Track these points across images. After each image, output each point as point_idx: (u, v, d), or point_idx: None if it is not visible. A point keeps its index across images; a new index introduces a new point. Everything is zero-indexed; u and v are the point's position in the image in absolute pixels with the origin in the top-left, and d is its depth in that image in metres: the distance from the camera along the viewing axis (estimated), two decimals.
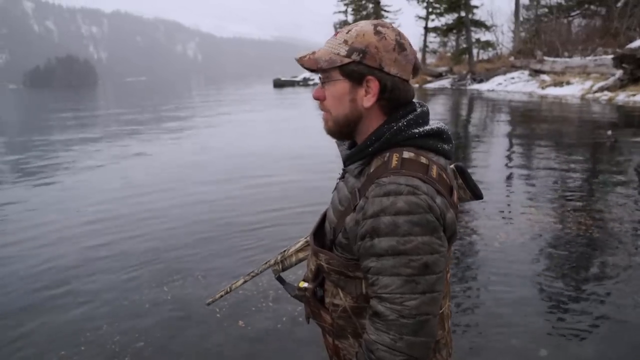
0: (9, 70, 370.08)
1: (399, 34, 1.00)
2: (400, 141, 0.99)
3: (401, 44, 0.99)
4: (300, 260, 1.38)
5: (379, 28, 0.99)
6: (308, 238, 1.36)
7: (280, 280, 1.32)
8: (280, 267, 1.37)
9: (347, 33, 1.01)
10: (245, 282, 1.46)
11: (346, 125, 1.04)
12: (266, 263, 1.41)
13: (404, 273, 0.91)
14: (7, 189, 7.41)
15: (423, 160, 0.97)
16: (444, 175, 0.99)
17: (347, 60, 0.98)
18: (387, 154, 0.98)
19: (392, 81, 0.99)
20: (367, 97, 1.00)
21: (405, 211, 0.91)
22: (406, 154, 0.97)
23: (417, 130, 1.00)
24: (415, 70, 1.02)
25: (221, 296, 1.48)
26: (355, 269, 1.03)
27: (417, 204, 0.91)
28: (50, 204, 6.29)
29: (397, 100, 1.01)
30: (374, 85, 0.99)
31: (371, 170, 0.98)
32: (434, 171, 0.96)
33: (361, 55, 0.98)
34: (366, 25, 1.00)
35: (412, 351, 0.92)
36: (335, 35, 1.03)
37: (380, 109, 1.02)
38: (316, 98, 1.06)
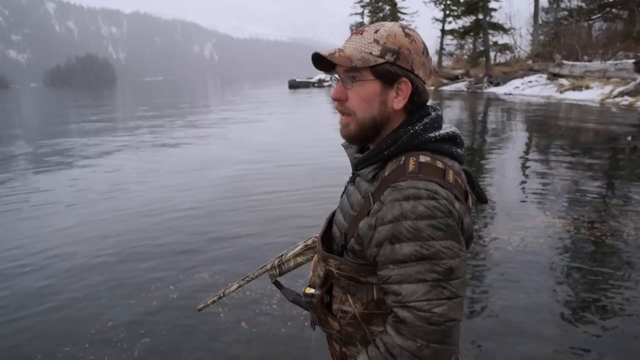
0: (31, 69, 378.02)
1: (421, 38, 1.02)
2: (416, 145, 0.97)
3: (427, 48, 1.01)
4: (299, 265, 1.36)
5: (407, 30, 0.99)
6: (308, 242, 1.34)
7: (277, 284, 1.30)
8: (278, 271, 1.35)
9: (375, 32, 0.98)
10: (239, 287, 1.42)
11: (372, 128, 1.01)
12: (262, 267, 1.37)
13: (429, 278, 0.88)
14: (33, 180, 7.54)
15: (439, 164, 0.95)
16: (459, 180, 0.98)
17: (381, 61, 0.96)
18: (403, 158, 0.96)
19: (421, 84, 0.99)
20: (398, 99, 0.99)
21: (427, 215, 0.88)
22: (423, 158, 0.95)
23: (433, 134, 0.99)
24: (431, 73, 1.05)
25: (213, 301, 1.43)
26: (367, 275, 1.01)
27: (438, 208, 0.89)
28: (66, 196, 6.37)
29: (422, 102, 1.01)
30: (405, 87, 0.98)
31: (386, 174, 0.96)
32: (451, 176, 0.94)
33: (395, 56, 0.96)
34: (394, 27, 0.98)
35: (437, 359, 0.89)
36: (361, 33, 0.99)
37: (405, 112, 1.01)
38: (337, 99, 1.01)
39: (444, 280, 0.88)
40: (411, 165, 0.94)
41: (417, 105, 1.01)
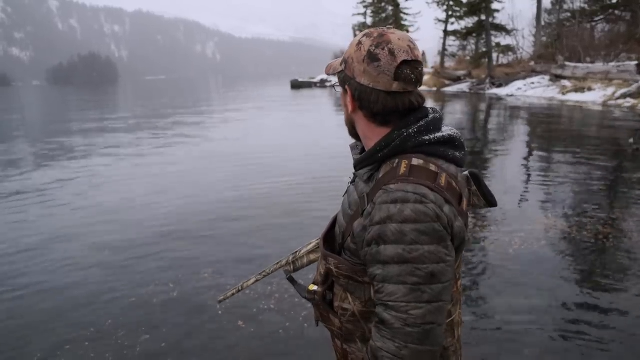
0: (33, 67, 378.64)
1: (380, 44, 0.97)
2: (410, 148, 0.99)
3: (373, 55, 0.97)
4: (312, 262, 1.39)
5: (363, 38, 1.01)
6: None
7: (292, 280, 1.32)
8: (292, 267, 1.38)
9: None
10: (257, 281, 1.47)
11: (349, 126, 1.12)
12: (277, 263, 1.42)
13: (409, 281, 0.91)
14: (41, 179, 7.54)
15: (432, 167, 0.96)
16: (454, 184, 0.99)
17: (340, 69, 1.06)
18: (397, 160, 0.98)
19: (361, 91, 1.00)
20: (348, 104, 1.06)
21: (412, 219, 0.90)
22: (415, 161, 0.96)
23: (427, 137, 1.00)
24: (405, 79, 0.97)
25: (233, 294, 1.50)
26: (363, 274, 1.03)
27: (425, 213, 0.90)
28: (67, 195, 6.38)
29: (369, 109, 1.01)
30: (349, 93, 1.04)
31: (380, 176, 0.99)
32: (443, 179, 0.96)
33: (344, 65, 1.04)
34: (358, 36, 1.03)
35: (416, 359, 0.92)
36: None
37: (364, 116, 1.04)
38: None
39: (424, 284, 0.90)
40: (402, 168, 0.96)
41: (368, 110, 1.02)
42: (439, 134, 1.01)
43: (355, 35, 1.09)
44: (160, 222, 5.12)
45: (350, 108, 1.06)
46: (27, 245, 4.54)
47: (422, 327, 0.90)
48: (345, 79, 1.04)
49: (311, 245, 1.36)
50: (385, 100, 0.99)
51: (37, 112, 28.44)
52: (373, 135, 1.04)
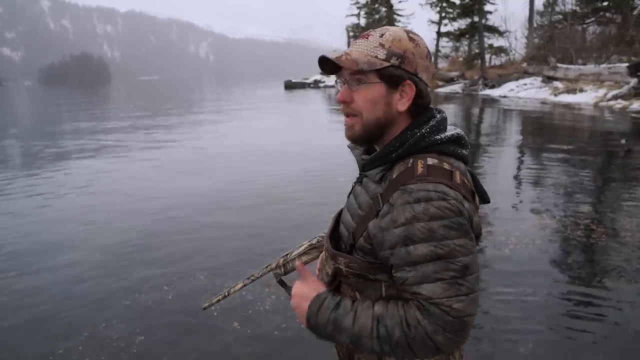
0: (25, 67, 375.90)
1: (426, 43, 1.05)
2: (423, 147, 0.99)
3: (430, 52, 1.04)
4: (304, 264, 1.36)
5: (412, 35, 1.02)
6: (312, 241, 1.35)
7: (282, 283, 1.30)
8: (282, 270, 1.34)
9: (380, 37, 1.01)
10: (244, 285, 1.40)
11: (377, 129, 1.03)
12: (267, 267, 1.37)
13: (447, 277, 0.91)
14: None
15: (446, 166, 0.97)
16: (466, 181, 1.00)
17: (386, 64, 0.99)
18: (411, 160, 0.98)
19: (424, 86, 1.02)
20: (403, 101, 1.01)
21: (439, 216, 0.91)
22: (430, 161, 0.97)
23: (439, 137, 1.01)
24: None
25: (218, 300, 1.42)
26: (376, 272, 1.03)
27: (449, 209, 0.92)
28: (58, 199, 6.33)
29: (425, 105, 1.03)
30: (410, 89, 1.00)
31: (394, 176, 0.99)
32: (458, 177, 0.97)
33: (400, 59, 0.99)
34: (399, 31, 1.01)
35: (445, 347, 0.92)
36: (366, 37, 1.03)
37: (410, 114, 1.03)
38: (343, 101, 1.04)
39: (460, 277, 0.91)
40: (419, 168, 0.96)
41: (420, 107, 1.03)
42: (448, 133, 1.03)
43: (349, 36, 1.09)
44: (153, 225, 5.10)
45: (405, 106, 1.02)
46: (20, 248, 4.50)
47: (462, 320, 0.91)
48: (404, 75, 0.99)
49: (302, 248, 1.34)
50: (430, 96, 1.04)
51: (34, 113, 28.19)
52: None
